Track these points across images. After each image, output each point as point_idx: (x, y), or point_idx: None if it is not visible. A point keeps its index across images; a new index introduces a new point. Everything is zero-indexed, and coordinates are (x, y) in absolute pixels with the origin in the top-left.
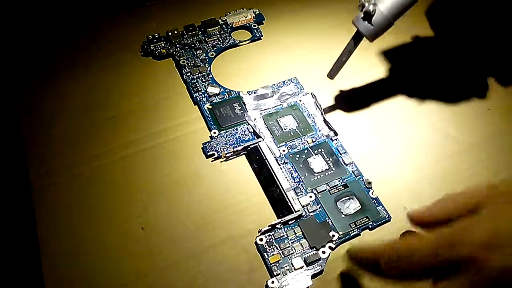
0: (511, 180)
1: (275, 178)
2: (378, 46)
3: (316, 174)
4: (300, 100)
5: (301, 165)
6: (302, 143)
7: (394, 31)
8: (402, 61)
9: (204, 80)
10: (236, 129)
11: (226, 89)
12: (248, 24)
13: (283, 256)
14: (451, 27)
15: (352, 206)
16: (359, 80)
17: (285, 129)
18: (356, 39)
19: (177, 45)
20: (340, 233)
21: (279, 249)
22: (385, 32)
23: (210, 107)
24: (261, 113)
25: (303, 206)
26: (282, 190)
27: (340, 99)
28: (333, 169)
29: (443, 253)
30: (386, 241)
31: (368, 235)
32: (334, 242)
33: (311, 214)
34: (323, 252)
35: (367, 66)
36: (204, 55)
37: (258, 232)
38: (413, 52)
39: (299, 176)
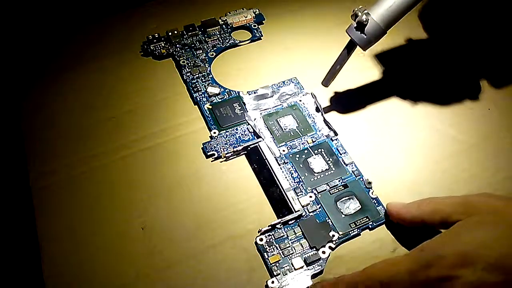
0: (492, 197)
1: (275, 178)
2: (377, 48)
3: (316, 174)
4: (300, 100)
5: (301, 165)
6: (302, 143)
7: (392, 32)
8: (402, 62)
9: (204, 80)
10: (236, 129)
11: (226, 89)
12: (248, 24)
13: (283, 256)
14: (446, 29)
15: (352, 206)
16: (359, 81)
17: (285, 129)
18: (349, 48)
19: (177, 45)
20: (340, 233)
21: (279, 249)
22: (378, 40)
23: (210, 107)
24: (261, 113)
25: (303, 206)
26: (282, 190)
27: (340, 99)
28: (333, 169)
29: (419, 276)
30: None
31: (368, 235)
32: (334, 242)
33: (311, 214)
34: (323, 252)
35: (367, 67)
36: (204, 55)
37: (258, 232)
38: (412, 53)
39: (299, 176)
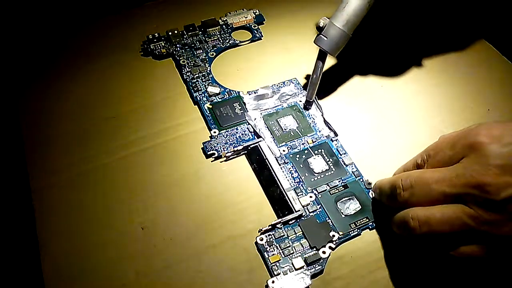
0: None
1: (276, 178)
2: (376, 48)
3: (316, 175)
4: (300, 101)
5: (301, 165)
6: (302, 144)
7: (391, 36)
8: (401, 63)
9: (204, 80)
10: (236, 129)
11: (226, 89)
12: (248, 25)
13: (283, 256)
14: (445, 32)
15: (352, 206)
16: (359, 81)
17: (285, 129)
18: (320, 56)
19: (177, 45)
20: (340, 233)
21: (279, 249)
22: (343, 43)
23: (210, 106)
24: (261, 113)
25: (303, 206)
26: (282, 190)
27: (340, 100)
28: (333, 169)
29: (458, 145)
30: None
31: (368, 235)
32: (334, 242)
33: (311, 214)
34: (323, 252)
35: (367, 67)
36: (204, 55)
37: (259, 231)
38: (411, 54)
39: (299, 176)
